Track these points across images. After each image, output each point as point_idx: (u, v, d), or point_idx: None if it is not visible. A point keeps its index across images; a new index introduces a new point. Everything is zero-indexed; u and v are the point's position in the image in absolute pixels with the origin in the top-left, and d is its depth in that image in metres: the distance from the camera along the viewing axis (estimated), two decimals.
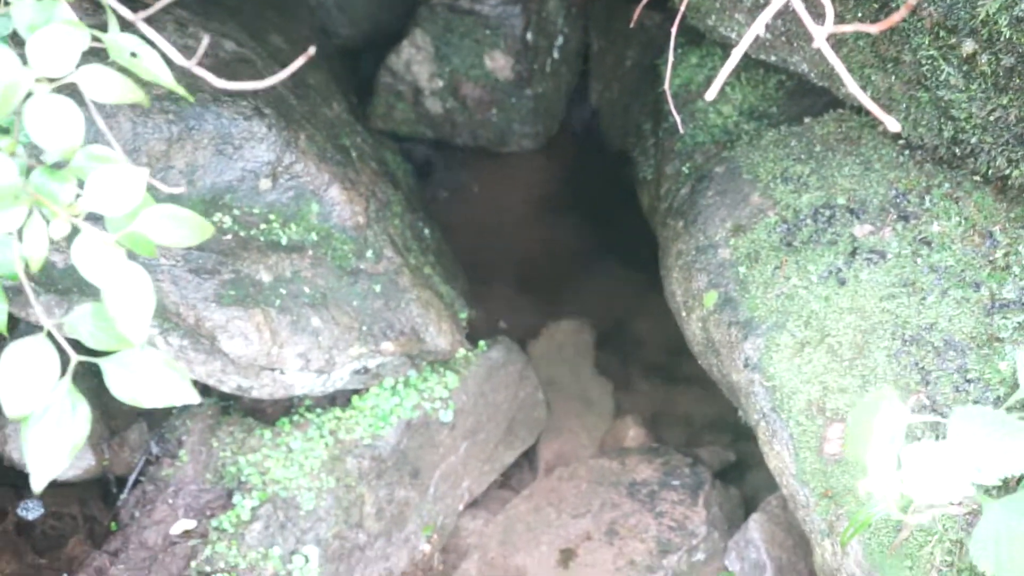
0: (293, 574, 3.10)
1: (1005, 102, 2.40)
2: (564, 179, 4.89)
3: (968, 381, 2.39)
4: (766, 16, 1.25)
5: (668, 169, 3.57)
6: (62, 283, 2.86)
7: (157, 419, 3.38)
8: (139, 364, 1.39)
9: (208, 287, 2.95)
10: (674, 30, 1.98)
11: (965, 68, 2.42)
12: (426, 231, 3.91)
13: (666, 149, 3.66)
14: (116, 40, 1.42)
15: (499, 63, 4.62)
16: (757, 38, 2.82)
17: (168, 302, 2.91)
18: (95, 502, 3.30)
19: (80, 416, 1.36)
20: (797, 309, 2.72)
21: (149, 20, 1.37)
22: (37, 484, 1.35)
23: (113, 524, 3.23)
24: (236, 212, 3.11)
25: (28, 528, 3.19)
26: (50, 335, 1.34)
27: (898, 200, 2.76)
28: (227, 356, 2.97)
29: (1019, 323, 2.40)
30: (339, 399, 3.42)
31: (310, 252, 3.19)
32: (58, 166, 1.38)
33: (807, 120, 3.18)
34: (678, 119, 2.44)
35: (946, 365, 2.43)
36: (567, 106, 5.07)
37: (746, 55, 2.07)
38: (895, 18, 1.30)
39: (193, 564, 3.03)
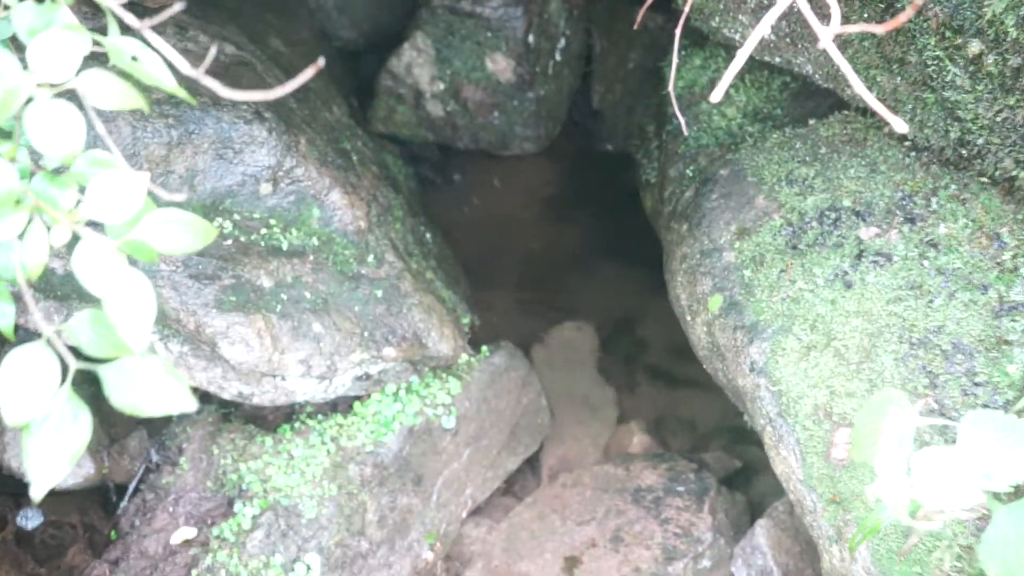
0: None
1: (1012, 103, 2.40)
2: (566, 182, 4.89)
3: (976, 385, 2.38)
4: (772, 17, 1.25)
5: (672, 172, 3.57)
6: (61, 289, 2.86)
7: (157, 426, 3.38)
8: (139, 372, 1.38)
9: (208, 293, 2.96)
10: (678, 32, 1.98)
11: (971, 69, 2.42)
12: (428, 235, 3.91)
13: (670, 152, 3.66)
14: (117, 44, 1.42)
15: (500, 65, 4.63)
16: (761, 39, 2.82)
17: (168, 308, 2.91)
18: (95, 510, 3.30)
19: (81, 423, 1.36)
20: (803, 313, 2.71)
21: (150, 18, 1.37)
22: (37, 493, 1.34)
23: (113, 533, 3.23)
24: (237, 217, 3.11)
25: (27, 537, 3.19)
26: (49, 342, 1.33)
27: (904, 202, 2.75)
28: (228, 362, 2.97)
29: None
30: (341, 406, 3.42)
31: (311, 257, 3.19)
32: (58, 171, 1.39)
33: (812, 122, 3.17)
34: (683, 121, 2.44)
35: (954, 369, 2.43)
36: (569, 109, 5.07)
37: (750, 57, 2.07)
38: (901, 18, 1.30)
39: (194, 573, 3.02)
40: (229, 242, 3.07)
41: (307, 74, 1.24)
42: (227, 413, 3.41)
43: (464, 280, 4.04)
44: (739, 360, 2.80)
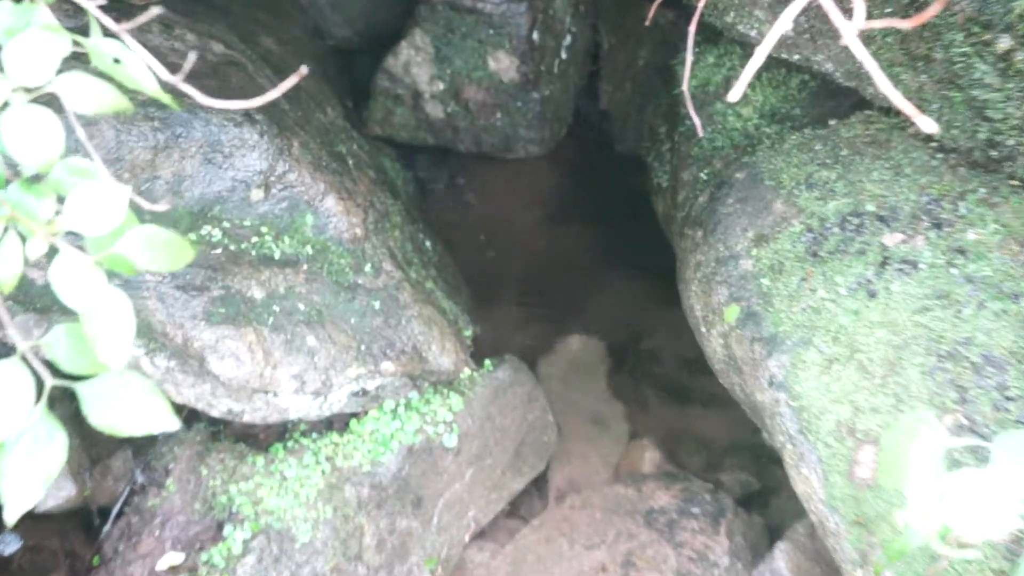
0: None
1: None
2: (573, 187, 4.89)
3: (1008, 399, 2.37)
4: (792, 12, 1.24)
5: (685, 175, 3.56)
6: (41, 301, 2.86)
7: (142, 446, 3.38)
8: (118, 389, 1.38)
9: (196, 305, 2.95)
10: (692, 28, 1.98)
11: (1000, 66, 2.41)
12: (427, 243, 3.91)
13: (683, 154, 3.66)
14: (98, 45, 1.42)
15: (503, 64, 4.63)
16: (779, 36, 2.82)
17: (154, 321, 2.90)
18: (76, 535, 3.29)
19: (56, 443, 1.35)
20: (824, 324, 2.70)
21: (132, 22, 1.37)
22: (10, 516, 1.34)
23: (96, 558, 3.22)
24: (226, 224, 3.11)
25: (4, 564, 3.18)
26: (24, 358, 1.33)
27: (931, 207, 2.74)
28: (217, 378, 2.97)
29: None
30: (336, 423, 3.41)
31: (305, 266, 3.18)
32: (35, 179, 1.38)
33: (832, 122, 3.17)
34: (697, 122, 2.43)
35: (984, 382, 2.41)
36: (575, 109, 5.07)
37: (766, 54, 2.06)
38: (928, 13, 1.29)
39: None
40: (218, 251, 3.06)
41: (292, 81, 1.23)
42: (216, 432, 3.40)
43: (466, 290, 4.04)
44: (757, 374, 2.79)
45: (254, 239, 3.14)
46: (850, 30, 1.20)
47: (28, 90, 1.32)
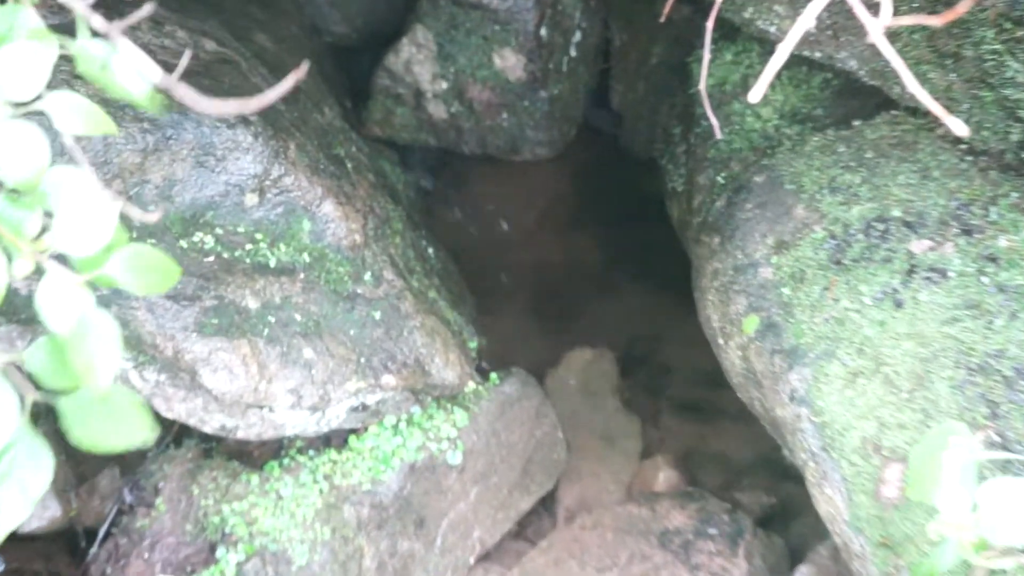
0: None
1: None
2: (583, 191, 4.89)
3: None
4: (816, 8, 1.24)
5: (701, 179, 3.56)
6: (26, 311, 2.86)
7: (131, 464, 3.38)
8: (98, 402, 1.38)
9: (188, 315, 2.95)
10: (709, 24, 1.97)
11: None
12: (430, 250, 3.91)
13: (699, 156, 3.66)
14: (86, 49, 1.41)
15: (510, 62, 4.63)
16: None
17: (143, 332, 2.91)
18: (61, 557, 3.29)
19: (41, 462, 1.35)
20: (849, 335, 2.70)
21: (122, 19, 1.37)
22: None
23: None
24: (219, 231, 3.11)
25: None
26: (5, 372, 1.33)
27: (960, 212, 2.74)
28: (209, 392, 2.97)
29: None
30: (335, 440, 3.41)
31: (302, 275, 3.18)
32: (18, 190, 1.38)
33: (856, 123, 3.17)
34: (715, 123, 2.43)
35: (1017, 397, 2.41)
36: (585, 109, 5.07)
37: None
38: (959, 9, 1.28)
39: None
40: (211, 259, 3.07)
41: (290, 81, 1.22)
42: (208, 449, 3.41)
43: (470, 300, 4.04)
44: (778, 388, 2.79)
45: (248, 246, 3.14)
46: (876, 27, 1.20)
47: (16, 105, 1.32)
